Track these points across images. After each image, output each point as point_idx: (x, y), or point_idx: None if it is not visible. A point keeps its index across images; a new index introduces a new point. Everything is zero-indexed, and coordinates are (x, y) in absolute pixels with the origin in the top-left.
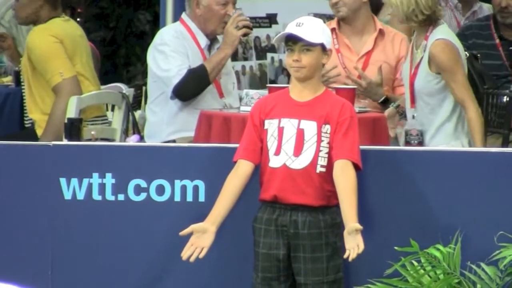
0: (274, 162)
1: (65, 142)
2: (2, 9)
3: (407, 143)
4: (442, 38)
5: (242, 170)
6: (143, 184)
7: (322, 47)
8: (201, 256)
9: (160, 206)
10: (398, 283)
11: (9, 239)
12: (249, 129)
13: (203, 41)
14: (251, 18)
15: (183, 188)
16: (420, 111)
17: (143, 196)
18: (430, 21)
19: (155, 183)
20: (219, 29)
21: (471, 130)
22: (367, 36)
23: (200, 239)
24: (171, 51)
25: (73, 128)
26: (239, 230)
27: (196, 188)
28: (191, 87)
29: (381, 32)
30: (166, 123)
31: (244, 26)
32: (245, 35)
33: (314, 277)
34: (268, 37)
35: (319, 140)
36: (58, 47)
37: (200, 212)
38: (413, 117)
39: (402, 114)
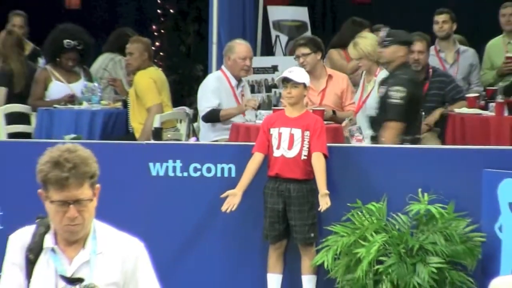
0: (276, 153)
1: (152, 141)
2: (105, 61)
3: (352, 136)
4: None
5: (257, 158)
6: (198, 166)
7: (304, 85)
8: (233, 209)
9: (208, 180)
10: (349, 225)
11: (112, 203)
12: (261, 134)
13: (233, 81)
14: (262, 68)
15: (222, 169)
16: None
17: (198, 173)
18: (377, 65)
19: (206, 165)
20: (241, 73)
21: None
22: (322, 79)
23: (232, 199)
24: (208, 92)
25: (157, 133)
26: (251, 198)
27: (230, 169)
28: (208, 120)
29: (330, 76)
30: (212, 131)
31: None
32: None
33: (300, 221)
34: (272, 79)
35: (303, 140)
36: (153, 85)
37: (232, 183)
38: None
39: (354, 123)
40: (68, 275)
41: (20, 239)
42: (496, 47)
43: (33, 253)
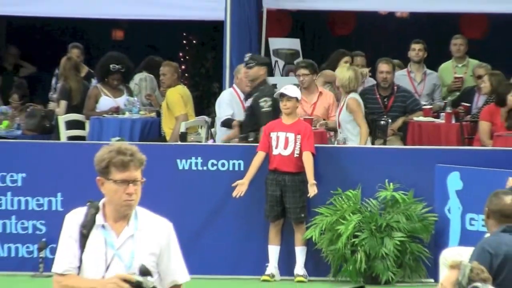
0: (275, 152)
1: (179, 143)
2: (136, 79)
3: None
4: (352, 97)
5: (260, 155)
6: (215, 162)
7: (296, 99)
8: (242, 195)
9: (223, 172)
10: (332, 207)
11: (148, 191)
12: (263, 136)
13: (242, 95)
14: None
15: (233, 164)
16: (342, 130)
17: (214, 167)
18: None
19: (221, 161)
20: (247, 89)
21: (361, 137)
22: (314, 94)
23: (241, 187)
24: (223, 104)
25: (183, 137)
26: (256, 187)
27: (239, 164)
28: (225, 125)
29: (320, 92)
30: (226, 134)
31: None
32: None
33: (294, 204)
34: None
35: (295, 142)
36: (180, 99)
37: (241, 175)
38: (340, 132)
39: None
40: (116, 247)
41: (75, 217)
42: (447, 69)
43: (86, 228)
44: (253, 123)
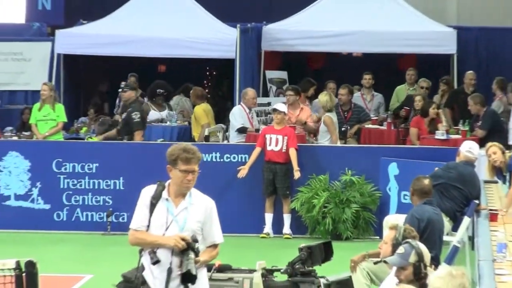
0: (268, 148)
1: (204, 143)
2: (177, 100)
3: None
4: (327, 115)
5: (257, 150)
6: (228, 155)
7: (284, 113)
8: (244, 177)
9: (233, 163)
10: (309, 187)
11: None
12: (260, 137)
13: (247, 110)
14: (263, 103)
15: (241, 157)
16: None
17: (228, 159)
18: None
19: (232, 155)
20: (251, 105)
21: (332, 143)
22: (297, 109)
23: (243, 170)
24: (236, 116)
25: (206, 138)
26: (256, 172)
27: (245, 157)
28: (240, 131)
29: (302, 108)
30: (237, 137)
31: None
32: None
33: (282, 185)
34: (268, 109)
35: (283, 141)
36: (204, 113)
37: (245, 164)
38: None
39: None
40: (175, 214)
41: (148, 191)
42: (401, 90)
43: (155, 199)
44: (128, 129)
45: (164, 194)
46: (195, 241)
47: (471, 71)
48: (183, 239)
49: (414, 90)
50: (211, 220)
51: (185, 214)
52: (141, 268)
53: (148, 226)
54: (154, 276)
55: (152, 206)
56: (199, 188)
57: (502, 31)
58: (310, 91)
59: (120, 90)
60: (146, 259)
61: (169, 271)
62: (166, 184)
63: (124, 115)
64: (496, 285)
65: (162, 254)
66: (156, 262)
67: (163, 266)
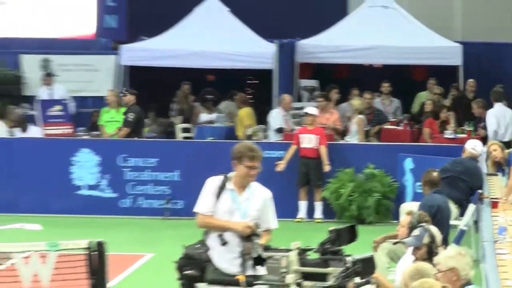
0: (302, 146)
1: (247, 141)
2: (224, 104)
3: None
4: (359, 117)
5: (293, 147)
6: (268, 152)
7: (315, 115)
8: (282, 170)
9: (273, 158)
10: (337, 179)
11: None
12: (295, 136)
13: (283, 113)
14: (297, 107)
15: (279, 153)
16: (350, 135)
17: (268, 155)
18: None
19: (272, 152)
20: (287, 108)
21: (359, 140)
22: (328, 113)
23: (281, 165)
24: (274, 117)
25: (249, 137)
26: (292, 166)
27: (283, 153)
28: (277, 131)
29: (331, 112)
30: (274, 136)
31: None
32: None
33: (314, 177)
34: (301, 113)
35: (315, 140)
36: (247, 115)
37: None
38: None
39: None
40: (238, 203)
41: (215, 180)
42: (422, 95)
43: (221, 189)
44: (136, 130)
45: (229, 185)
46: (258, 227)
47: (472, 80)
48: (248, 227)
49: (433, 96)
50: (268, 209)
51: (248, 203)
52: (206, 248)
53: (214, 212)
54: (219, 255)
55: (219, 194)
56: None
57: (502, 46)
58: (332, 93)
59: (121, 94)
60: (212, 241)
61: (242, 254)
62: (230, 176)
63: (126, 116)
64: (497, 263)
65: (229, 237)
66: (224, 243)
67: (230, 247)
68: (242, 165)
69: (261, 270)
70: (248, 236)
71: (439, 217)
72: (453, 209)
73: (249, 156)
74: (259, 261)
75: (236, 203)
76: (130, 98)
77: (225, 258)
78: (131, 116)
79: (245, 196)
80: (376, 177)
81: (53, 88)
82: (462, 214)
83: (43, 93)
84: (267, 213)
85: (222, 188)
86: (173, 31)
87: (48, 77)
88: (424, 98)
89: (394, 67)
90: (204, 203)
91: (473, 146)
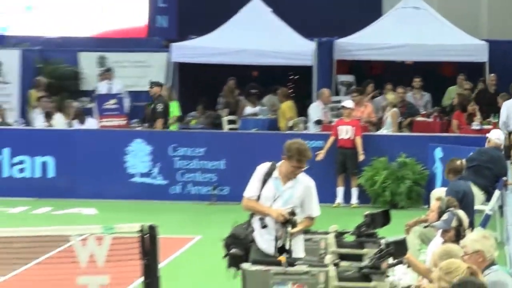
0: (340, 137)
1: (288, 132)
2: (267, 98)
3: None
4: (393, 110)
5: (332, 138)
6: (308, 142)
7: (351, 108)
8: (321, 159)
9: (314, 148)
10: (371, 167)
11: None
12: (334, 128)
13: (322, 106)
14: (335, 101)
15: (319, 143)
16: (385, 126)
17: (308, 145)
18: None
19: (312, 141)
20: (326, 102)
21: (393, 131)
22: (362, 106)
23: (320, 154)
24: (314, 110)
25: (291, 128)
26: (330, 156)
27: (322, 143)
28: (317, 123)
29: (365, 105)
30: (313, 128)
31: None
32: None
33: (351, 166)
34: (339, 106)
35: (351, 131)
36: (288, 108)
37: (321, 149)
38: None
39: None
40: (281, 191)
41: (263, 168)
42: (453, 90)
43: (267, 176)
44: (155, 118)
45: (275, 173)
46: (293, 214)
47: (493, 74)
48: (282, 215)
49: (462, 90)
50: (310, 197)
51: (290, 192)
52: (251, 229)
53: (259, 196)
54: (261, 237)
55: (264, 181)
56: None
57: None
58: (368, 88)
59: (149, 87)
60: (255, 223)
61: (276, 238)
62: (278, 165)
63: (152, 106)
64: None
65: (269, 221)
66: (264, 226)
67: (269, 230)
68: (290, 164)
69: (300, 253)
70: (283, 223)
71: (465, 202)
72: (479, 195)
73: (297, 159)
74: (283, 250)
75: (279, 191)
76: (156, 90)
77: (265, 239)
78: (160, 107)
79: (288, 185)
80: (408, 165)
81: (112, 83)
82: (488, 199)
83: (103, 87)
84: (309, 201)
85: (268, 175)
86: (220, 30)
87: (108, 72)
88: (454, 93)
89: (425, 63)
90: (250, 188)
91: (497, 136)
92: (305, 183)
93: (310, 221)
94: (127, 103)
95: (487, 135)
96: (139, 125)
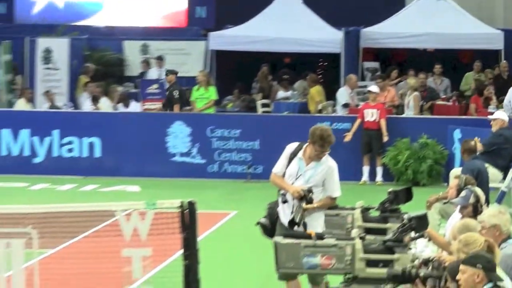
0: (366, 119)
1: (318, 115)
2: (298, 83)
3: None
4: (415, 94)
5: (358, 121)
6: (336, 124)
7: (376, 93)
8: (349, 140)
9: (341, 129)
10: (395, 147)
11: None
12: (360, 110)
13: (349, 91)
14: (361, 86)
15: (346, 125)
16: (408, 109)
17: (336, 127)
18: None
19: (339, 124)
20: (353, 87)
21: (414, 114)
22: (385, 91)
23: (348, 136)
24: (343, 94)
25: (320, 111)
26: (357, 137)
27: (350, 125)
28: (344, 106)
29: (388, 90)
30: (341, 111)
31: None
32: None
33: (376, 146)
34: (365, 91)
35: (376, 114)
36: (317, 93)
37: (349, 131)
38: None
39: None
40: (303, 170)
41: (290, 147)
42: (469, 76)
43: (293, 155)
44: (172, 104)
45: (300, 153)
46: (309, 192)
47: (505, 61)
48: (297, 192)
49: (479, 76)
50: (331, 178)
51: (311, 172)
52: (277, 205)
53: (285, 174)
54: (283, 211)
55: (290, 159)
56: None
57: None
58: (392, 73)
59: (165, 75)
60: (279, 198)
61: (292, 213)
62: (304, 146)
63: (169, 92)
64: None
65: (289, 196)
66: (285, 201)
67: (289, 205)
68: (313, 148)
69: (318, 228)
70: (300, 199)
71: (480, 180)
72: (498, 174)
73: (320, 144)
74: (292, 224)
75: (301, 170)
76: (171, 78)
77: (285, 214)
78: (176, 93)
79: (311, 165)
80: (429, 145)
81: (162, 70)
82: (504, 178)
83: (153, 73)
84: (330, 182)
85: (294, 154)
86: (254, 20)
87: (160, 59)
88: (472, 78)
89: (444, 51)
90: (278, 165)
91: (502, 116)
92: (327, 165)
93: (330, 200)
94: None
95: (489, 117)
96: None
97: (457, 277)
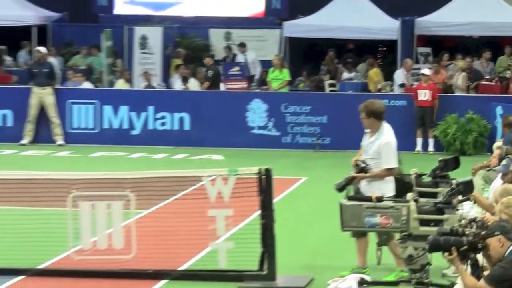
0: (419, 98)
1: (378, 93)
2: (360, 66)
3: None
4: (463, 74)
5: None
6: (393, 101)
7: (429, 76)
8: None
9: (397, 107)
10: (445, 122)
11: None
12: (414, 90)
13: (405, 73)
14: (415, 68)
15: (401, 102)
16: (457, 88)
17: (393, 104)
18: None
19: (396, 101)
20: (408, 69)
21: (463, 93)
22: (437, 73)
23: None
24: (398, 76)
25: (379, 90)
26: (412, 113)
27: (404, 103)
28: (400, 86)
29: (441, 73)
30: (397, 90)
31: None
32: None
33: (428, 120)
34: (419, 73)
35: (429, 94)
36: (376, 75)
37: (404, 108)
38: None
39: None
40: (366, 144)
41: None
42: (502, 59)
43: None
44: (214, 83)
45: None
46: (363, 162)
47: None
48: (353, 161)
49: (511, 60)
50: (386, 152)
51: (371, 145)
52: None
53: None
54: None
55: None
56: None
57: None
58: (443, 57)
59: (204, 59)
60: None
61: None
62: None
63: (209, 73)
64: None
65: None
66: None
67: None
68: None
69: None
70: (355, 166)
71: None
72: None
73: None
74: (343, 188)
75: (366, 143)
76: (208, 61)
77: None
78: (210, 73)
79: (371, 139)
80: (474, 120)
81: (247, 54)
82: None
83: (240, 58)
84: (384, 155)
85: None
86: (322, 11)
87: (242, 46)
88: (505, 61)
89: (488, 37)
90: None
91: None
92: (382, 139)
93: (386, 171)
94: (258, 69)
95: None
96: (257, 87)
97: (488, 253)
